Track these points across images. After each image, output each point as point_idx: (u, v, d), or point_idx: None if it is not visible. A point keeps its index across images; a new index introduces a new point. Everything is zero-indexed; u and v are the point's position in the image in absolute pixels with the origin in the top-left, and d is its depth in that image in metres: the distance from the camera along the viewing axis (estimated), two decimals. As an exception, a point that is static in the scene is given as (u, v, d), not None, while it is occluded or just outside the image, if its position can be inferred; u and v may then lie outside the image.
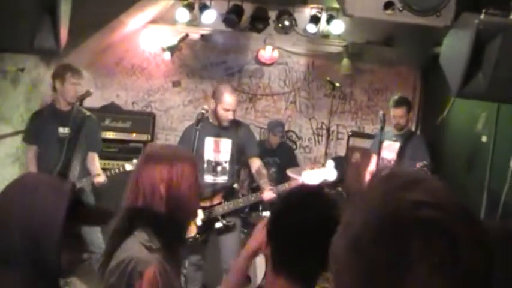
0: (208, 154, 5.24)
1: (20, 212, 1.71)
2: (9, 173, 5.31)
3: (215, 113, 5.14)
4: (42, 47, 3.61)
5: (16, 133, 5.49)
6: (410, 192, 0.87)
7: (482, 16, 3.28)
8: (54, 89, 5.32)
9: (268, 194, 5.09)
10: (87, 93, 5.38)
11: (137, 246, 2.13)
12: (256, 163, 5.36)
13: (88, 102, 5.76)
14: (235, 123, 5.34)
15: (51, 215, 1.71)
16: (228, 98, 5.08)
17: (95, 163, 5.48)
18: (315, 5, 7.18)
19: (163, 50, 7.06)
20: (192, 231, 5.14)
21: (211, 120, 5.23)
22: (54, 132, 5.27)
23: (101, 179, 5.23)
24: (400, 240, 0.83)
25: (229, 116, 5.13)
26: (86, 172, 5.38)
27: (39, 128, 5.31)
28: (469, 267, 0.82)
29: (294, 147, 8.10)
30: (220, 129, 5.24)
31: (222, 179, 5.29)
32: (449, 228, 0.83)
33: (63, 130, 5.28)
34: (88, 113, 5.49)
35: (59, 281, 1.80)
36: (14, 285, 1.69)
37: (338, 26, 7.04)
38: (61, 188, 1.81)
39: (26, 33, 3.48)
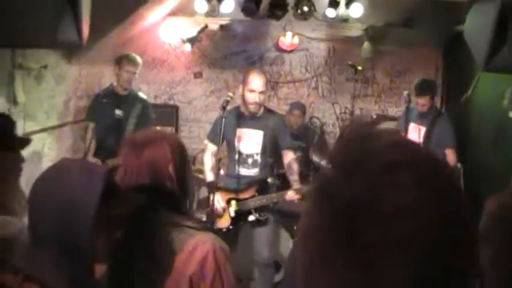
0: (239, 145, 5.13)
1: (54, 196, 1.72)
2: (36, 170, 5.35)
3: (243, 97, 5.04)
4: (65, 41, 3.62)
5: (42, 130, 5.55)
6: (376, 141, 0.88)
7: (506, -12, 3.24)
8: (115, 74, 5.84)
9: (291, 195, 4.95)
10: (111, 87, 5.53)
11: (191, 231, 2.14)
12: (289, 156, 5.17)
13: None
14: (268, 113, 5.20)
15: (83, 198, 1.71)
16: (254, 79, 4.96)
17: None
18: (334, -11, 7.12)
19: (183, 41, 7.08)
20: (226, 222, 5.12)
21: (242, 110, 5.15)
22: (112, 113, 5.73)
23: None
24: (369, 180, 0.82)
25: (256, 98, 4.95)
26: None
27: (98, 108, 5.79)
28: (442, 201, 0.82)
29: (319, 132, 8.03)
30: (251, 120, 5.11)
31: (253, 172, 5.17)
32: (415, 167, 0.83)
33: (119, 112, 5.74)
34: (144, 97, 6.01)
35: (93, 265, 1.79)
36: (50, 268, 1.70)
37: (357, 9, 6.97)
38: (95, 172, 1.82)
39: (48, 28, 3.49)
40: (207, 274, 2.05)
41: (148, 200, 2.10)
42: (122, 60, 5.71)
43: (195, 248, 2.09)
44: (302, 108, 7.31)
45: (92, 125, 5.84)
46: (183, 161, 2.32)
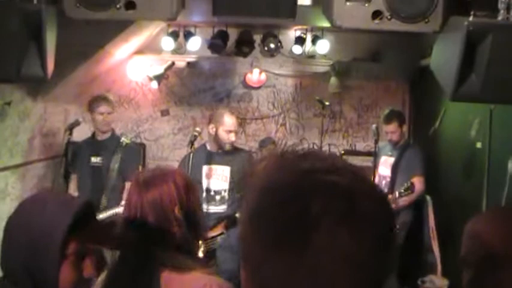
0: (206, 183, 5.11)
1: (25, 229, 1.69)
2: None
3: (216, 137, 5.07)
4: (29, 76, 3.56)
5: (5, 168, 5.42)
6: (305, 160, 0.93)
7: (471, 18, 3.29)
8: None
9: None
10: (76, 123, 5.47)
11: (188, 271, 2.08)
12: None
13: (78, 135, 5.70)
14: (235, 150, 5.27)
15: (51, 232, 1.66)
16: (229, 119, 5.05)
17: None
18: (300, 26, 7.19)
19: (150, 79, 7.06)
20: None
21: (209, 148, 5.17)
22: (87, 161, 5.45)
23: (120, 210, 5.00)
24: (301, 199, 0.87)
25: (232, 137, 5.07)
26: (118, 202, 5.17)
27: (75, 157, 5.54)
28: (368, 214, 0.87)
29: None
30: (218, 156, 5.15)
31: (221, 208, 5.15)
32: (346, 184, 0.89)
33: (95, 159, 5.43)
34: (126, 141, 5.56)
35: None
36: None
37: (323, 46, 7.08)
38: (67, 205, 1.76)
39: (12, 62, 3.43)
40: None
41: (140, 238, 2.06)
42: (91, 104, 5.49)
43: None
44: (274, 142, 7.33)
45: (73, 176, 5.60)
46: (191, 199, 2.26)
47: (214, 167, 5.15)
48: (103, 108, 5.43)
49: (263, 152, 7.00)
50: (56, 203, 1.75)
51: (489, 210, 2.17)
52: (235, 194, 5.22)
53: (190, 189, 2.28)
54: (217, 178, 5.15)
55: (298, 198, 0.87)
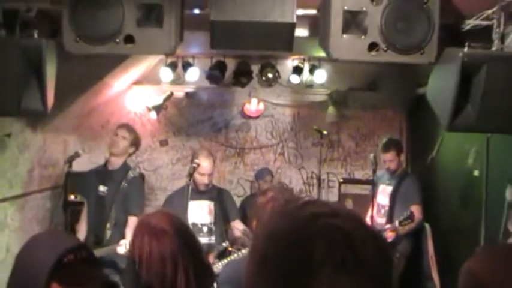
0: (192, 217, 5.16)
1: (17, 269, 1.76)
2: (-2, 241, 5.23)
3: (193, 178, 5.15)
4: (29, 109, 3.61)
5: (4, 200, 5.42)
6: (307, 208, 0.98)
7: (466, 49, 3.34)
8: None
9: None
10: (76, 155, 5.43)
11: None
12: (240, 225, 5.38)
13: (77, 166, 5.70)
14: (215, 188, 5.49)
15: (35, 273, 1.70)
16: (205, 163, 5.15)
17: (130, 229, 4.84)
18: (297, 56, 7.26)
19: (149, 109, 7.08)
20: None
21: (191, 186, 5.19)
22: (94, 189, 5.34)
23: (120, 249, 4.77)
24: (303, 247, 0.91)
25: (205, 180, 5.21)
26: (121, 237, 5.01)
27: (84, 184, 5.55)
28: (368, 262, 0.90)
29: (286, 198, 8.00)
30: (201, 194, 5.30)
31: (212, 239, 5.29)
32: (347, 231, 0.91)
33: (103, 189, 5.31)
34: (135, 174, 5.43)
35: None
36: None
37: (321, 75, 7.13)
38: (55, 246, 1.79)
39: (12, 96, 3.48)
40: None
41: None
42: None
43: None
44: (271, 174, 7.29)
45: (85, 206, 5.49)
46: (192, 252, 2.28)
47: (199, 202, 5.30)
48: (121, 131, 5.36)
49: (260, 185, 6.99)
50: (46, 244, 1.80)
51: (484, 250, 2.20)
52: (222, 227, 5.40)
53: (195, 242, 2.33)
54: (202, 211, 5.31)
55: (301, 246, 0.91)
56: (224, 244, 5.25)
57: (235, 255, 5.08)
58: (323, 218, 0.94)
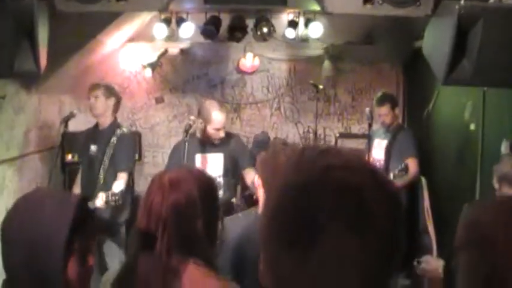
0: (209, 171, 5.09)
1: (26, 227, 1.70)
2: (-4, 202, 5.24)
3: (204, 132, 5.03)
4: (22, 70, 3.58)
5: (1, 162, 5.41)
6: (320, 160, 0.97)
7: (462, 2, 3.29)
8: None
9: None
10: (71, 115, 5.43)
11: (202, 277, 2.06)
12: (251, 174, 5.05)
13: (73, 126, 5.69)
14: (226, 136, 5.20)
15: (54, 230, 1.69)
16: (218, 117, 4.97)
17: (117, 183, 4.96)
18: (292, 10, 7.16)
19: (144, 67, 7.05)
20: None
21: (199, 136, 5.12)
22: (86, 149, 5.37)
23: (97, 202, 4.72)
24: (311, 204, 0.92)
25: (221, 134, 5.04)
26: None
27: (77, 145, 5.70)
28: (375, 218, 0.91)
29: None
30: (210, 145, 5.12)
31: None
32: (355, 184, 0.92)
33: (94, 148, 5.32)
34: (122, 131, 5.33)
35: None
36: None
37: (317, 29, 7.04)
38: (67, 201, 1.79)
39: (5, 58, 3.44)
40: None
41: (145, 241, 2.06)
42: (88, 92, 5.37)
43: None
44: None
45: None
46: (212, 206, 2.24)
47: (207, 155, 5.14)
48: (92, 93, 5.28)
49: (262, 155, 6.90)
50: (54, 202, 1.77)
51: (485, 201, 2.19)
52: (230, 180, 5.26)
53: (214, 197, 2.29)
54: (211, 165, 5.13)
55: (310, 201, 0.92)
56: (233, 201, 5.23)
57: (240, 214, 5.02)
58: (334, 170, 0.94)
